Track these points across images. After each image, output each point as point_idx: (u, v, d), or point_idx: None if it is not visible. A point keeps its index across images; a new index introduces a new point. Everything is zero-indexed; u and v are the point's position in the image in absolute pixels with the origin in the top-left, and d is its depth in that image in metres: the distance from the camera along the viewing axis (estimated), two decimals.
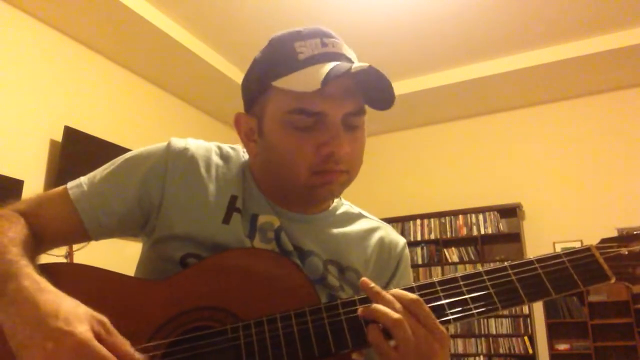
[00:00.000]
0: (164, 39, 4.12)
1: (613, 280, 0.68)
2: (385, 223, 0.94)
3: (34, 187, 3.46)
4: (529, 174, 5.36)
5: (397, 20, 4.19)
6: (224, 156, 0.85)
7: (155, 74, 4.68)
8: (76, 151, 3.72)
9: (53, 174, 3.66)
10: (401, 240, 0.92)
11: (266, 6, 3.97)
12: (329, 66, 0.72)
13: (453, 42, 4.53)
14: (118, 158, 0.83)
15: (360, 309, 0.66)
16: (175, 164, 0.80)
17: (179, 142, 0.83)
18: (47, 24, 3.83)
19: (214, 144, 0.86)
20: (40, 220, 0.77)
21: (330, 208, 0.88)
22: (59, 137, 3.73)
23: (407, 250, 0.92)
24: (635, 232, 0.73)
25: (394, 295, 0.65)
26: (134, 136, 4.32)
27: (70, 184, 0.81)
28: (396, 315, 0.62)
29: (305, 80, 0.71)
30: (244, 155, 0.88)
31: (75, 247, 2.89)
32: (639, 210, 4.73)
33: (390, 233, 0.92)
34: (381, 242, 0.89)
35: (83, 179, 0.82)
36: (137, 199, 0.79)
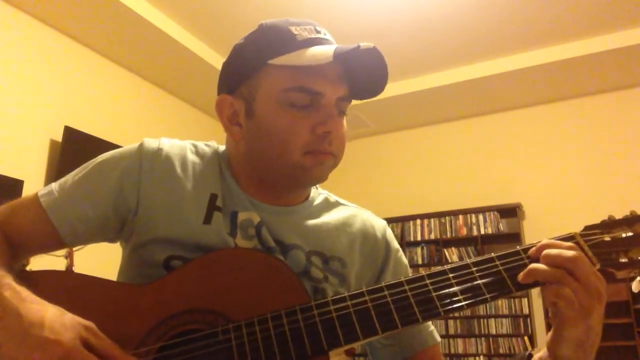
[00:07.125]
0: (164, 40, 4.11)
1: (598, 267, 0.69)
2: (364, 209, 0.93)
3: (34, 187, 3.43)
4: (529, 174, 5.35)
5: (397, 20, 4.18)
6: (199, 153, 0.83)
7: (155, 74, 4.68)
8: (76, 151, 3.71)
9: (53, 174, 3.66)
10: (382, 222, 0.92)
11: (266, 5, 3.98)
12: (332, 46, 0.73)
13: (453, 42, 4.52)
14: (89, 162, 0.81)
15: (530, 268, 0.66)
16: (149, 165, 0.78)
17: (152, 143, 0.81)
18: (47, 24, 3.82)
19: (188, 142, 0.85)
20: (14, 229, 0.75)
21: (309, 198, 0.87)
22: (59, 137, 3.73)
23: (389, 230, 0.92)
24: (617, 219, 0.73)
25: (550, 246, 0.66)
26: (134, 136, 4.26)
27: (41, 191, 0.78)
28: (555, 272, 0.64)
29: (312, 56, 0.71)
30: (219, 150, 0.86)
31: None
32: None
33: (371, 218, 0.92)
34: (364, 228, 0.88)
35: (54, 185, 0.79)
36: (112, 204, 0.76)
